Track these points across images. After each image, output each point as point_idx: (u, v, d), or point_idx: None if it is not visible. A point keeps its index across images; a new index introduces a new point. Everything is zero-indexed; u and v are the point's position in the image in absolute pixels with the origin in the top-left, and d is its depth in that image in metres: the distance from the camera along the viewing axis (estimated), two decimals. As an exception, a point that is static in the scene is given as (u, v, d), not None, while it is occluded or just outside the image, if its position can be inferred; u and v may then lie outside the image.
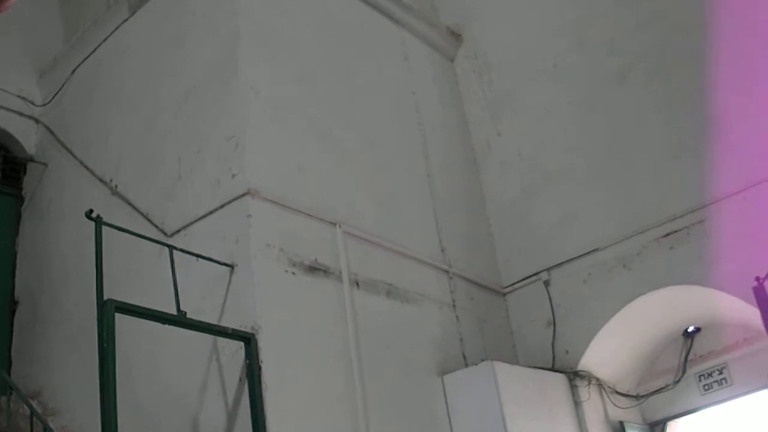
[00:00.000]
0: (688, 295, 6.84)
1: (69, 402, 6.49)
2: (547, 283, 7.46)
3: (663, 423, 7.56)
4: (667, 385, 7.45)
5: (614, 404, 7.35)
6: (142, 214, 6.41)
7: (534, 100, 8.09)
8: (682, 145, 6.94)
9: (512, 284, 7.72)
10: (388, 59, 7.92)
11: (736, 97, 6.68)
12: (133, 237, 5.31)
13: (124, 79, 7.37)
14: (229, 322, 5.19)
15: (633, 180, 7.20)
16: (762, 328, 5.78)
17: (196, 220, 5.88)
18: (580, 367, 7.10)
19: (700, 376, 7.36)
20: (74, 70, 7.98)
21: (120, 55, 7.53)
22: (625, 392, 7.54)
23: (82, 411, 6.17)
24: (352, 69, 7.28)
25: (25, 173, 8.21)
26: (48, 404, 6.65)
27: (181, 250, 5.39)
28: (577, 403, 7.01)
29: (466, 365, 6.59)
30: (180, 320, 4.93)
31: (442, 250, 7.21)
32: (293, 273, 5.58)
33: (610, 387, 7.38)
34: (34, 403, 5.72)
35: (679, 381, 7.39)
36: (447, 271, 7.10)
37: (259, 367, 4.99)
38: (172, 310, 4.92)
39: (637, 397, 7.58)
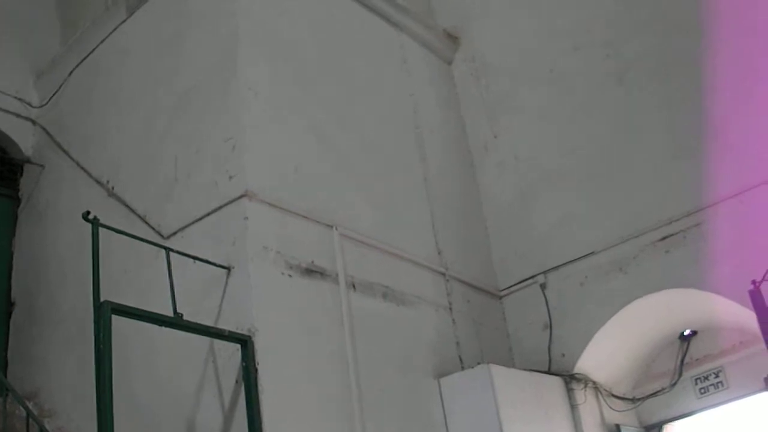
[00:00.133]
0: (684, 298, 6.84)
1: (65, 403, 6.49)
2: (543, 286, 7.46)
3: (659, 426, 7.56)
4: (663, 389, 7.45)
5: (610, 407, 7.35)
6: (139, 215, 6.41)
7: (531, 102, 8.10)
8: (679, 149, 6.95)
9: (509, 287, 7.72)
10: (386, 62, 7.93)
11: (733, 100, 6.69)
12: (130, 239, 5.30)
13: (121, 80, 7.37)
14: (225, 325, 5.19)
15: (630, 183, 7.21)
16: (758, 331, 5.79)
17: (193, 222, 5.88)
18: (576, 370, 7.11)
19: (696, 379, 7.37)
20: (72, 72, 7.97)
21: (118, 56, 7.52)
22: (622, 395, 7.54)
23: (79, 413, 6.16)
24: (350, 71, 7.28)
25: (21, 175, 8.19)
26: (44, 406, 6.64)
27: (178, 252, 5.39)
28: (573, 406, 7.01)
29: (463, 368, 6.59)
30: (176, 322, 4.93)
31: (439, 253, 7.21)
32: (290, 275, 5.59)
33: (606, 390, 7.39)
34: (30, 405, 5.72)
35: (675, 384, 7.39)
36: (444, 274, 7.10)
37: (256, 370, 4.99)
38: (169, 312, 4.92)
39: (633, 400, 7.58)
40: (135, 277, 6.09)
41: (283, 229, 5.71)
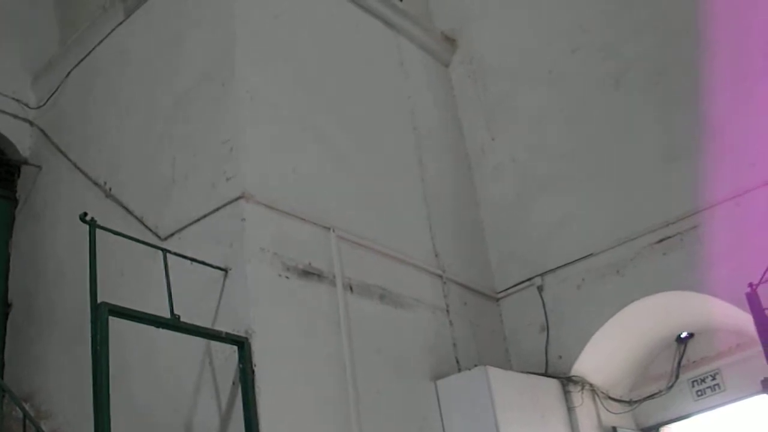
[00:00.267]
0: (681, 300, 6.85)
1: (62, 405, 6.47)
2: (540, 289, 7.47)
3: (656, 428, 7.56)
4: (660, 391, 7.46)
5: (607, 410, 7.35)
6: (136, 217, 6.40)
7: (528, 105, 8.11)
8: (677, 151, 6.95)
9: (506, 289, 7.72)
10: (383, 64, 7.93)
11: (730, 103, 6.70)
12: (128, 240, 5.30)
13: (119, 81, 7.36)
14: (222, 326, 5.18)
15: (627, 185, 7.21)
16: (755, 334, 5.80)
17: (190, 224, 5.87)
18: (573, 373, 7.11)
19: (693, 381, 7.37)
20: (69, 73, 7.96)
21: (116, 57, 7.51)
22: (618, 398, 7.55)
23: (76, 414, 6.15)
24: (347, 73, 7.28)
25: (19, 176, 8.18)
26: (41, 407, 6.63)
27: (175, 254, 5.38)
28: (570, 409, 7.01)
29: (460, 370, 6.59)
30: (173, 324, 4.92)
31: (436, 255, 7.21)
32: (287, 277, 5.58)
33: (603, 392, 7.39)
34: (27, 406, 5.70)
35: (672, 386, 7.40)
36: (441, 276, 7.10)
37: (253, 371, 4.99)
38: (166, 314, 4.91)
39: (630, 402, 7.58)
40: (132, 278, 6.09)
41: (280, 231, 5.71)
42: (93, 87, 7.67)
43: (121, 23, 7.52)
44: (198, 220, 5.82)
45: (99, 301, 4.52)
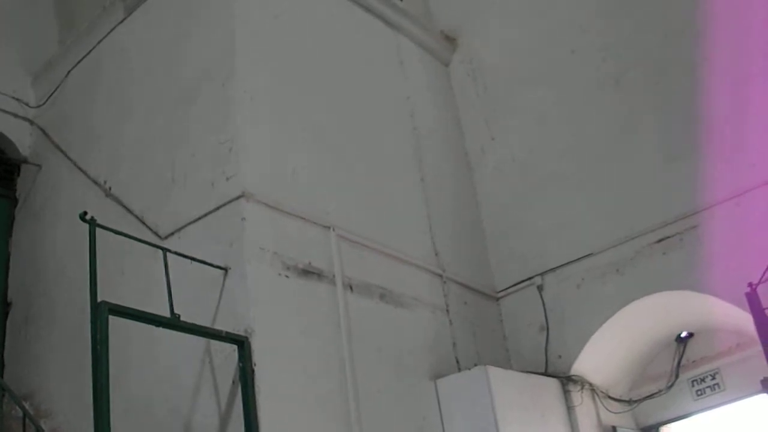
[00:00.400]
0: (681, 300, 6.85)
1: (62, 404, 6.47)
2: (540, 288, 7.48)
3: (656, 428, 7.58)
4: (659, 390, 7.46)
5: (607, 409, 7.36)
6: (136, 216, 6.40)
7: (528, 104, 8.11)
8: (676, 151, 6.96)
9: (506, 289, 7.73)
10: (383, 63, 7.93)
11: (729, 103, 6.70)
12: (128, 239, 5.30)
13: (119, 81, 7.36)
14: (222, 325, 5.18)
15: (626, 185, 7.22)
16: (754, 333, 5.81)
17: (190, 223, 5.87)
18: (573, 372, 7.11)
19: (692, 381, 7.38)
20: (69, 72, 7.96)
21: (115, 57, 7.51)
22: (618, 397, 7.56)
23: (75, 413, 6.15)
24: (347, 73, 7.28)
25: (18, 175, 8.18)
26: (41, 406, 6.62)
27: (175, 253, 5.38)
28: (569, 408, 7.02)
29: (459, 369, 6.60)
30: (173, 323, 4.92)
31: (436, 254, 7.22)
32: (287, 276, 5.59)
33: (602, 392, 7.40)
34: (26, 405, 5.70)
35: (671, 386, 7.40)
36: (440, 276, 7.10)
37: (253, 370, 4.99)
38: (166, 313, 4.91)
39: (629, 402, 7.59)
40: (132, 277, 6.08)
41: (280, 230, 5.71)
42: (93, 86, 7.66)
43: (120, 22, 7.52)
44: (198, 219, 5.81)
45: (99, 300, 4.51)
